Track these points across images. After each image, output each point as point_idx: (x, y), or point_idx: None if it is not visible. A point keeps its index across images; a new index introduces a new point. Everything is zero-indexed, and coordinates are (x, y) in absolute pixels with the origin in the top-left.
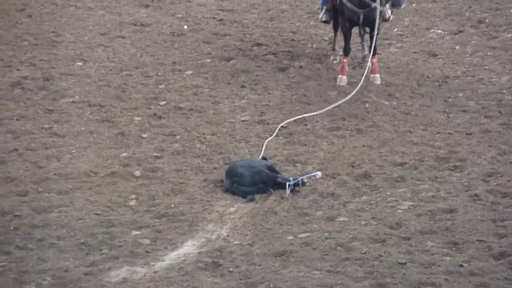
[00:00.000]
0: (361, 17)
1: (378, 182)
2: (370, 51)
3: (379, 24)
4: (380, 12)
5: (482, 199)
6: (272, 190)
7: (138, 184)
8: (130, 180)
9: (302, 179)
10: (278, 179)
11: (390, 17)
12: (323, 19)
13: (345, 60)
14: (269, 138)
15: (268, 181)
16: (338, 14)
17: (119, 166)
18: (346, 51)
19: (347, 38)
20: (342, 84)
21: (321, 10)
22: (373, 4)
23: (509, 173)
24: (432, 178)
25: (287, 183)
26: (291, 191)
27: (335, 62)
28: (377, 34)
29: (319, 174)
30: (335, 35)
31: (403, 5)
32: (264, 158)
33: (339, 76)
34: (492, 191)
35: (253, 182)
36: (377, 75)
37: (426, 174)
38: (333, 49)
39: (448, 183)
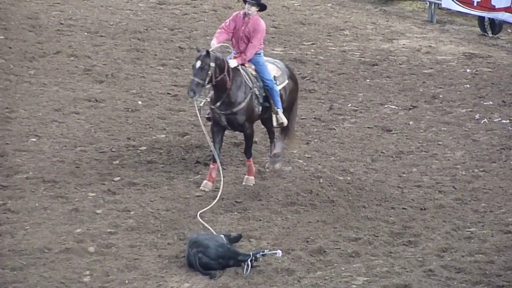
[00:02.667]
0: (223, 121)
1: (333, 258)
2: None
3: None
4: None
5: (437, 274)
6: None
7: (92, 260)
8: (84, 256)
9: (261, 253)
10: (240, 257)
11: (284, 121)
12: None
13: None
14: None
15: (231, 256)
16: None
17: (73, 242)
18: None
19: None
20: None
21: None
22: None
23: (463, 248)
24: (387, 254)
25: (249, 259)
26: (250, 262)
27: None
28: (247, 139)
29: (279, 252)
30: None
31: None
32: (227, 235)
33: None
34: (447, 266)
35: (217, 255)
36: (252, 177)
37: (380, 250)
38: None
39: (403, 258)
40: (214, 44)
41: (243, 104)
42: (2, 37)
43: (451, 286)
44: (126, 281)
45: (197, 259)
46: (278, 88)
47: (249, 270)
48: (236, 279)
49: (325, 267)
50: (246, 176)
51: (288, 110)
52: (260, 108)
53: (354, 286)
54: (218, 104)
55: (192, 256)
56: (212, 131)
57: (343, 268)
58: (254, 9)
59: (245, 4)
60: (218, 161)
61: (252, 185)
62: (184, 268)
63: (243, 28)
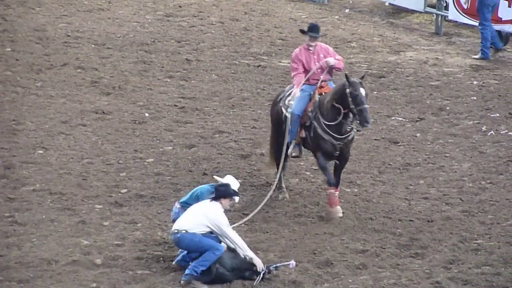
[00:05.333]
0: (338, 150)
1: (340, 270)
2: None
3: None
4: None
5: (444, 286)
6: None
7: (99, 272)
8: (91, 269)
9: (275, 266)
10: (255, 268)
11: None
12: (293, 154)
13: (333, 190)
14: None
15: (246, 268)
16: (315, 148)
17: (80, 254)
18: (332, 181)
19: (327, 169)
20: (339, 215)
21: (290, 144)
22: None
23: (470, 260)
24: (394, 266)
25: (262, 271)
26: (263, 275)
27: (285, 199)
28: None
29: (293, 263)
30: (278, 169)
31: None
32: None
33: (334, 208)
34: (454, 278)
35: (232, 267)
36: (339, 207)
37: (387, 262)
38: (280, 187)
39: (410, 270)
40: (297, 92)
41: (353, 132)
42: (9, 49)
43: None
44: None
45: (214, 270)
46: None
47: (259, 281)
48: None
49: (332, 279)
50: (331, 208)
51: None
52: None
53: None
54: (340, 133)
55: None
56: (322, 159)
57: (350, 280)
58: (316, 41)
59: (308, 37)
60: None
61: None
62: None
63: (315, 57)
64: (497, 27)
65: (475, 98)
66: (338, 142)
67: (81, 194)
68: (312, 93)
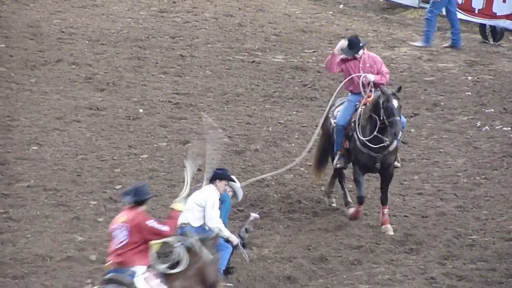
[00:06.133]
0: (378, 162)
1: (335, 265)
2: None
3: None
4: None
5: (438, 282)
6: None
7: (94, 268)
8: (85, 265)
9: (245, 228)
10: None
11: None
12: (338, 165)
13: (360, 208)
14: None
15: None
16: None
17: (75, 250)
18: (361, 197)
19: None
20: (390, 233)
21: (336, 155)
22: (386, 142)
23: (465, 256)
24: (388, 261)
25: (239, 243)
26: (243, 244)
27: (332, 205)
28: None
29: (254, 215)
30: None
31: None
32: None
33: (384, 226)
34: (448, 274)
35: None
36: (388, 225)
37: (382, 257)
38: (347, 202)
39: (404, 266)
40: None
41: (395, 143)
42: (3, 45)
43: None
44: None
45: None
46: None
47: (246, 253)
48: (237, 287)
49: (327, 275)
50: (382, 226)
51: None
52: None
53: None
54: (377, 146)
55: None
56: (359, 173)
57: (344, 276)
58: (361, 51)
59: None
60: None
61: (391, 234)
62: None
63: (360, 65)
64: (492, 22)
65: (469, 93)
66: (378, 154)
67: (75, 190)
68: (357, 103)
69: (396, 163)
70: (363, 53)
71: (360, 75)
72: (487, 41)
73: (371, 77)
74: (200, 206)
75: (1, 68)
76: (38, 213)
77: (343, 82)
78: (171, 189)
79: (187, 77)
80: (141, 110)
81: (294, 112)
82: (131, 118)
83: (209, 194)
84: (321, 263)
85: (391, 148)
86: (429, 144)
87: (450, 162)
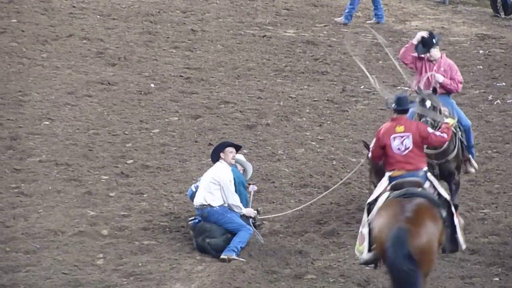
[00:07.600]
0: (436, 170)
1: (346, 239)
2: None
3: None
4: (460, 161)
5: (450, 256)
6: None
7: (106, 243)
8: (97, 239)
9: (257, 210)
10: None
11: (475, 168)
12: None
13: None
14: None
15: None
16: None
17: (87, 225)
18: None
19: None
20: None
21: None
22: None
23: (477, 230)
24: None
25: (253, 221)
26: (255, 225)
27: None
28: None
29: (253, 187)
30: None
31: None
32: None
33: None
34: None
35: (221, 233)
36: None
37: None
38: None
39: None
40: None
41: (455, 151)
42: (15, 20)
43: (464, 267)
44: (140, 264)
45: (207, 245)
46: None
47: (260, 235)
48: (249, 262)
49: (338, 249)
50: None
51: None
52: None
53: (368, 268)
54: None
55: (201, 244)
56: None
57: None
58: (435, 51)
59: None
60: None
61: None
62: (197, 251)
63: (435, 69)
64: None
65: (481, 67)
66: (434, 161)
67: (87, 165)
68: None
69: (470, 169)
70: (441, 57)
71: (431, 74)
72: (498, 15)
73: (440, 78)
74: (217, 184)
75: (13, 43)
76: (50, 188)
77: (413, 80)
78: (182, 164)
79: (198, 52)
80: (152, 85)
81: (306, 86)
82: (143, 92)
83: (222, 171)
84: (333, 237)
85: (450, 156)
86: None
87: None
